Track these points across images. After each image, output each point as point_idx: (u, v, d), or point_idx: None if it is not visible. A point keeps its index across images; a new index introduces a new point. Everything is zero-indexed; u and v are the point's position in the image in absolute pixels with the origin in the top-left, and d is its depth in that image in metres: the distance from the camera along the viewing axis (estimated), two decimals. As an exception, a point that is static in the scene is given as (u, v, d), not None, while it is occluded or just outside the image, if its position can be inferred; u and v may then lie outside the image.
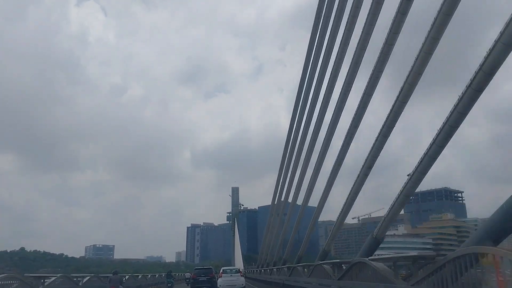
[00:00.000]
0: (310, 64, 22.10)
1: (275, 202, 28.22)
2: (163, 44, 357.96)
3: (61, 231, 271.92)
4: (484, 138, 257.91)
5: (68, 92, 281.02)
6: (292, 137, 23.31)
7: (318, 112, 20.58)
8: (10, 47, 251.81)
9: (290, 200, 27.67)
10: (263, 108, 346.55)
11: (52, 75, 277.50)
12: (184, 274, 43.80)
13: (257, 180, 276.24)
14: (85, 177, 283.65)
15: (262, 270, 29.22)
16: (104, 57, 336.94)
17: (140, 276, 32.97)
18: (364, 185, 15.25)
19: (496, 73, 7.96)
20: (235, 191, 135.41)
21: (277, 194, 27.39)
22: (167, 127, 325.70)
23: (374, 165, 14.24)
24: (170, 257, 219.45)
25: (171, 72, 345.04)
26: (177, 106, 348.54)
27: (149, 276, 37.30)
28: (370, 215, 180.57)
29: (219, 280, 22.43)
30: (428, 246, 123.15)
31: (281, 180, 26.02)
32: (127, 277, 24.57)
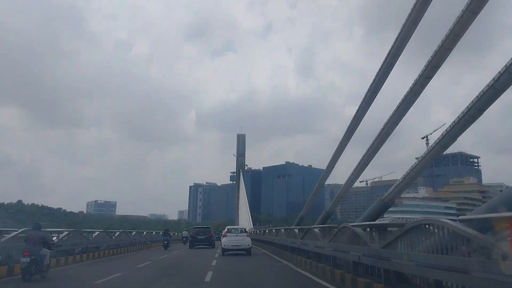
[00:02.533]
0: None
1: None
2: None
3: (66, 187, 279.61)
4: (494, 106, 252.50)
5: (71, 47, 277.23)
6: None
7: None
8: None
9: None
10: (271, 69, 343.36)
11: (54, 28, 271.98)
12: (181, 233, 42.44)
13: (263, 142, 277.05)
14: (90, 135, 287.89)
15: (271, 231, 27.58)
16: (109, 11, 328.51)
17: (134, 233, 31.64)
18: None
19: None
20: (240, 139, 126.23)
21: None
22: (173, 86, 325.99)
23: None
24: (173, 216, 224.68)
25: (178, 27, 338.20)
26: (183, 64, 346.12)
27: (144, 233, 36.10)
28: (381, 179, 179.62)
29: (224, 239, 21.42)
30: (451, 211, 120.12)
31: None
32: (59, 235, 16.72)
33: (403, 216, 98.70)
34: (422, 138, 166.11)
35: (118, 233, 26.59)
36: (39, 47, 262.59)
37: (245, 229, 23.03)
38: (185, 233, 41.07)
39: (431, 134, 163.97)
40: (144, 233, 36.33)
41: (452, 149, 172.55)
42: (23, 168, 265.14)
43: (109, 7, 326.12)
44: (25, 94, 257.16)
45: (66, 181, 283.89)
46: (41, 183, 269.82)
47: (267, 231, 31.47)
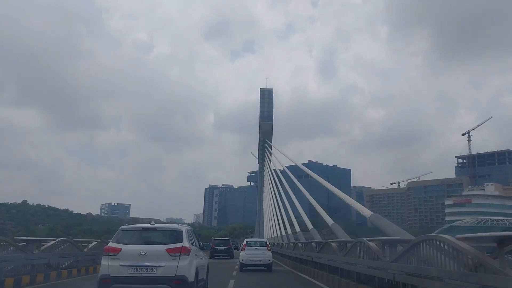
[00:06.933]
0: None
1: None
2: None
3: (83, 189, 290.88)
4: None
5: (89, 47, 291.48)
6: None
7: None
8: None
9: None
10: (291, 70, 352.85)
11: (72, 27, 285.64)
12: None
13: (282, 144, 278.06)
14: (109, 137, 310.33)
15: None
16: (126, 9, 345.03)
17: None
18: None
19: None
20: (265, 95, 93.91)
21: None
22: (191, 86, 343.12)
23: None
24: (189, 219, 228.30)
25: (197, 26, 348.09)
26: (202, 64, 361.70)
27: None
28: (418, 178, 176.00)
29: (242, 253, 21.33)
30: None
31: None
32: None
33: (478, 218, 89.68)
34: (463, 135, 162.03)
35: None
36: (57, 47, 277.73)
37: (266, 242, 22.57)
38: None
39: (473, 129, 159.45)
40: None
41: (498, 147, 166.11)
42: (41, 169, 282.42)
43: (127, 6, 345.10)
44: (44, 95, 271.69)
45: (83, 183, 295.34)
46: (58, 184, 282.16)
47: (284, 244, 30.90)
